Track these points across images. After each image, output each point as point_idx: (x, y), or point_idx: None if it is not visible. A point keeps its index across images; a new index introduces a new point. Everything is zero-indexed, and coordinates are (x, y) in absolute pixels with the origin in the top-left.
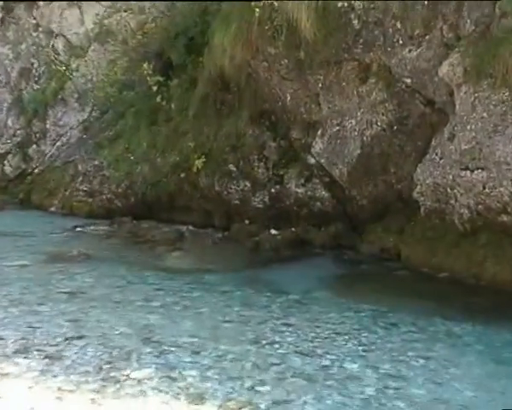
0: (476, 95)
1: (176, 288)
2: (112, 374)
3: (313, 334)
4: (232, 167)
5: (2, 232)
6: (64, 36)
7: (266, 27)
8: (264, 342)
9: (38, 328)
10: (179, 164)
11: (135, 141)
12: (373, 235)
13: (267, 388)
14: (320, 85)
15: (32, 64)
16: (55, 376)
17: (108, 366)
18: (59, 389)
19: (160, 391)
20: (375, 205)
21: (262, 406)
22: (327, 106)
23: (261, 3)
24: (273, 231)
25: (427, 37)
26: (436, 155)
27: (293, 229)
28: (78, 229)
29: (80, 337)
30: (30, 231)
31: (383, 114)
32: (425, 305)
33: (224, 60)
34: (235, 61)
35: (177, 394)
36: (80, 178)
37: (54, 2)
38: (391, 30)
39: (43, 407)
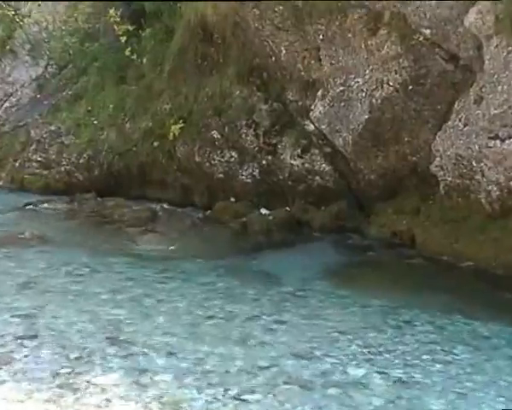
0: (510, 48)
1: (148, 277)
2: (70, 380)
3: (311, 333)
4: (215, 134)
5: None
6: None
7: None
8: (252, 342)
9: None
10: (152, 130)
11: (99, 102)
12: (382, 216)
13: (256, 396)
14: (321, 37)
15: None
16: (1, 383)
17: (66, 370)
18: (5, 399)
19: (128, 400)
20: (385, 180)
21: None
22: (329, 62)
23: None
24: (264, 211)
25: None
26: (459, 121)
27: (287, 208)
28: (31, 207)
29: (33, 337)
30: None
31: (396, 72)
32: (444, 300)
33: (207, 6)
34: (220, 7)
35: (148, 403)
36: (33, 147)
37: None
38: None
39: None
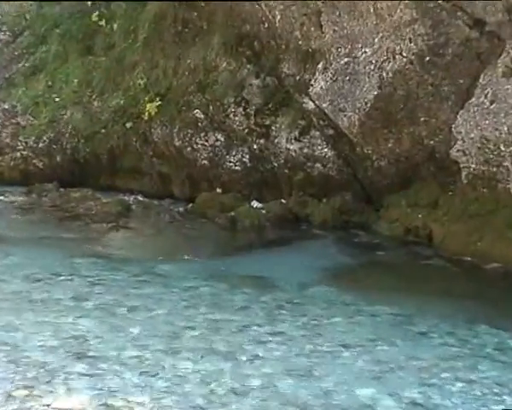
0: None
1: (119, 282)
2: (27, 404)
3: (310, 346)
4: (199, 114)
5: None
6: None
7: None
8: (241, 357)
9: None
10: (124, 109)
11: (61, 76)
12: (394, 209)
13: None
14: (322, 0)
15: None
16: None
17: (22, 392)
18: None
19: None
20: (397, 168)
21: None
22: (331, 29)
23: None
24: (255, 204)
25: None
26: (485, 97)
27: (282, 201)
28: None
29: None
30: None
31: (411, 41)
32: (466, 307)
33: None
34: None
35: None
36: None
37: None
38: None
39: None
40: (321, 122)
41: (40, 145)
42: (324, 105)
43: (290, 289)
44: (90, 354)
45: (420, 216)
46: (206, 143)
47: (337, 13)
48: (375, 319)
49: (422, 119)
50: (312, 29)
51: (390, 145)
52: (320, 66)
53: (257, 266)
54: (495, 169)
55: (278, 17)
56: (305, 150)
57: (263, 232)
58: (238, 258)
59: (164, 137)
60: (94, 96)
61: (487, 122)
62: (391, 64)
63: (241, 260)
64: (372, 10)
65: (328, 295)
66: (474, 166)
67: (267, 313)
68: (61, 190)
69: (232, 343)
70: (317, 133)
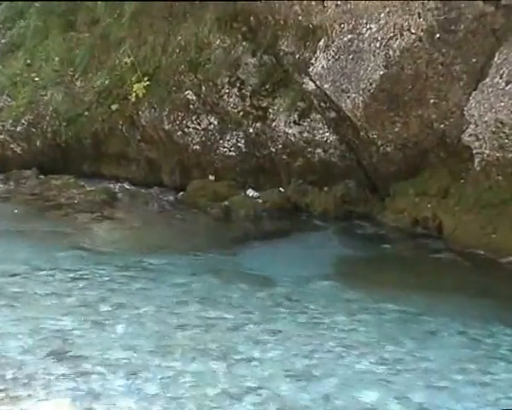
0: None
1: (104, 277)
2: (3, 408)
3: (310, 346)
4: (190, 95)
5: None
6: None
7: None
8: (236, 357)
9: None
10: (110, 90)
11: (41, 54)
12: (401, 199)
13: None
14: None
15: None
16: None
17: None
18: None
19: None
20: (404, 154)
21: None
22: (334, 3)
23: None
24: (251, 193)
25: None
26: (500, 77)
27: (280, 189)
28: None
29: None
30: None
31: (420, 16)
32: (479, 305)
33: None
34: None
35: None
36: None
37: None
38: None
39: None
40: (322, 104)
41: (18, 129)
42: (326, 86)
43: (289, 285)
44: (72, 354)
45: (429, 206)
46: (198, 127)
47: None
48: (380, 317)
49: (432, 101)
50: (313, 3)
51: (397, 129)
52: (321, 43)
53: (253, 259)
54: (510, 155)
55: None
56: (305, 135)
57: (259, 223)
58: (232, 251)
59: (152, 120)
60: (76, 76)
61: (502, 104)
62: (398, 41)
63: (236, 254)
64: None
65: (329, 291)
66: (487, 151)
67: (264, 311)
68: (41, 177)
69: (226, 343)
70: (318, 116)
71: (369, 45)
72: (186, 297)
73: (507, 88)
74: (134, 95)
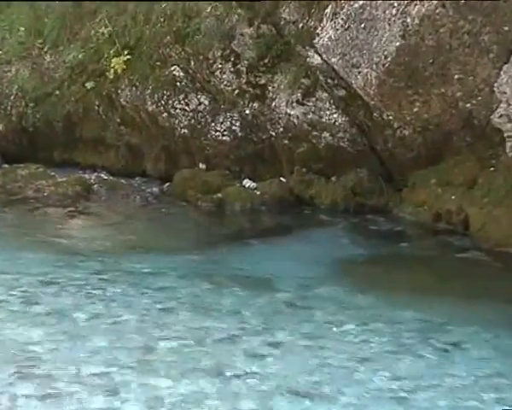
0: None
1: (78, 281)
2: None
3: (316, 360)
4: (177, 71)
5: None
6: None
7: None
8: (230, 374)
9: None
10: (84, 65)
11: (4, 24)
12: (421, 190)
13: None
14: None
15: None
16: None
17: None
18: None
19: None
20: (424, 137)
21: None
22: None
23: None
24: (248, 183)
25: None
26: None
27: (282, 179)
28: None
29: None
30: None
31: None
32: (511, 312)
33: None
34: None
35: None
36: None
37: None
38: None
39: None
40: (329, 81)
41: None
42: (333, 60)
43: (291, 290)
44: (42, 371)
45: (453, 198)
46: (186, 108)
47: None
48: (396, 327)
49: (457, 76)
50: None
51: (416, 109)
52: (328, 10)
53: (250, 260)
54: None
55: None
56: (310, 116)
57: (257, 218)
58: (226, 250)
59: (133, 100)
60: (45, 49)
61: None
62: (417, 8)
63: (230, 253)
64: None
65: (338, 296)
66: None
67: (263, 319)
68: (5, 166)
69: (219, 357)
70: (325, 95)
71: (384, 13)
72: (173, 304)
73: None
74: (112, 71)
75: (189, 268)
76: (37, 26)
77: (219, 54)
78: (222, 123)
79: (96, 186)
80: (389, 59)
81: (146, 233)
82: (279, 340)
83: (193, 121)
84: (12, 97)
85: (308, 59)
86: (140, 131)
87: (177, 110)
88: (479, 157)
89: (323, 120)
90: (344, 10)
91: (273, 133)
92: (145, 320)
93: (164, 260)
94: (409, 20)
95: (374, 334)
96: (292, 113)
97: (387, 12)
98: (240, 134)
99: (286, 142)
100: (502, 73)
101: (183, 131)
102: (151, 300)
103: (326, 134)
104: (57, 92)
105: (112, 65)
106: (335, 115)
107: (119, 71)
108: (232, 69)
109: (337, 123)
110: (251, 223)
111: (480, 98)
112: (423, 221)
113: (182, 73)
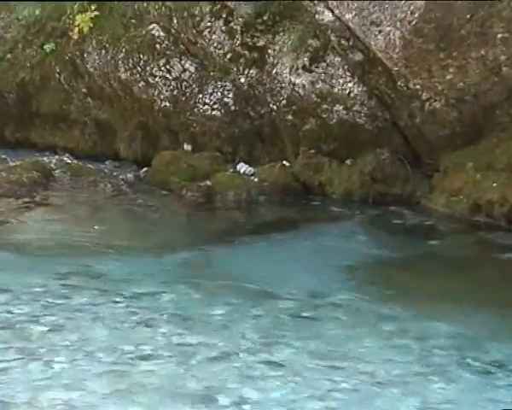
0: None
1: (35, 287)
2: None
3: (327, 382)
4: (156, 31)
5: None
6: None
7: None
8: (222, 399)
9: None
10: (42, 23)
11: None
12: (456, 175)
13: None
14: None
15: None
16: None
17: None
18: None
19: None
20: (460, 111)
21: None
22: None
23: None
24: (243, 168)
25: None
26: None
27: (285, 163)
28: None
29: None
30: None
31: None
32: None
33: None
34: None
35: None
36: None
37: None
38: None
39: None
40: (343, 43)
41: None
42: (348, 16)
43: (296, 298)
44: None
45: (495, 185)
46: (167, 76)
47: None
48: (425, 343)
49: (500, 35)
50: None
51: (449, 77)
52: None
53: (245, 262)
54: None
55: None
56: (319, 86)
57: (254, 212)
58: (216, 251)
59: (103, 66)
60: None
61: None
62: None
63: (222, 255)
64: None
65: (353, 306)
66: None
67: (261, 334)
68: None
69: (208, 380)
70: (338, 59)
71: None
72: (151, 315)
73: None
74: (76, 30)
75: (171, 272)
76: None
77: (208, 9)
78: (211, 94)
79: (57, 172)
80: (416, 15)
81: (118, 229)
82: (281, 359)
83: (176, 92)
84: None
85: (317, 15)
86: (111, 105)
87: (157, 78)
88: None
89: (336, 90)
90: None
91: (274, 107)
92: (116, 335)
93: (140, 263)
94: None
95: (398, 352)
96: (297, 82)
97: None
98: (233, 108)
99: (290, 117)
100: None
101: (163, 104)
102: (124, 309)
103: (339, 107)
104: (9, 56)
105: (76, 23)
106: (350, 85)
107: (85, 30)
108: (224, 28)
109: (352, 94)
110: (247, 217)
111: None
112: (458, 214)
113: (162, 33)
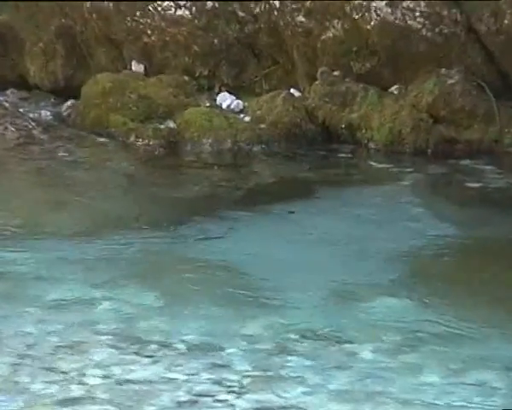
0: None
1: None
2: None
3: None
4: None
5: None
6: None
7: None
8: None
9: None
10: None
11: None
12: None
13: None
14: None
15: None
16: None
17: None
18: None
19: None
20: None
21: None
22: None
23: None
24: (227, 100)
25: None
26: None
27: (293, 91)
28: None
29: None
30: None
31: None
32: None
33: None
34: None
35: None
36: None
37: None
38: None
39: None
40: None
41: None
42: None
43: (307, 304)
44: None
45: None
46: None
47: None
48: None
49: None
50: None
51: None
52: None
53: (229, 248)
54: None
55: None
56: None
57: (245, 169)
58: (185, 234)
59: None
60: None
61: None
62: None
63: (193, 237)
64: None
65: (396, 312)
66: None
67: (254, 363)
68: None
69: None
70: None
71: None
72: (85, 334)
73: None
74: None
75: (107, 269)
76: None
77: None
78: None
79: None
80: None
81: (23, 202)
82: (289, 398)
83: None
84: None
85: None
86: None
87: None
88: None
89: None
90: None
91: (276, 2)
92: (26, 365)
93: (57, 256)
94: None
95: (460, 375)
96: None
97: None
98: (211, 4)
99: (301, 18)
100: None
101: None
102: (41, 316)
103: (380, 3)
104: None
105: None
106: None
107: None
108: None
109: None
110: (234, 179)
111: None
112: None
113: None
